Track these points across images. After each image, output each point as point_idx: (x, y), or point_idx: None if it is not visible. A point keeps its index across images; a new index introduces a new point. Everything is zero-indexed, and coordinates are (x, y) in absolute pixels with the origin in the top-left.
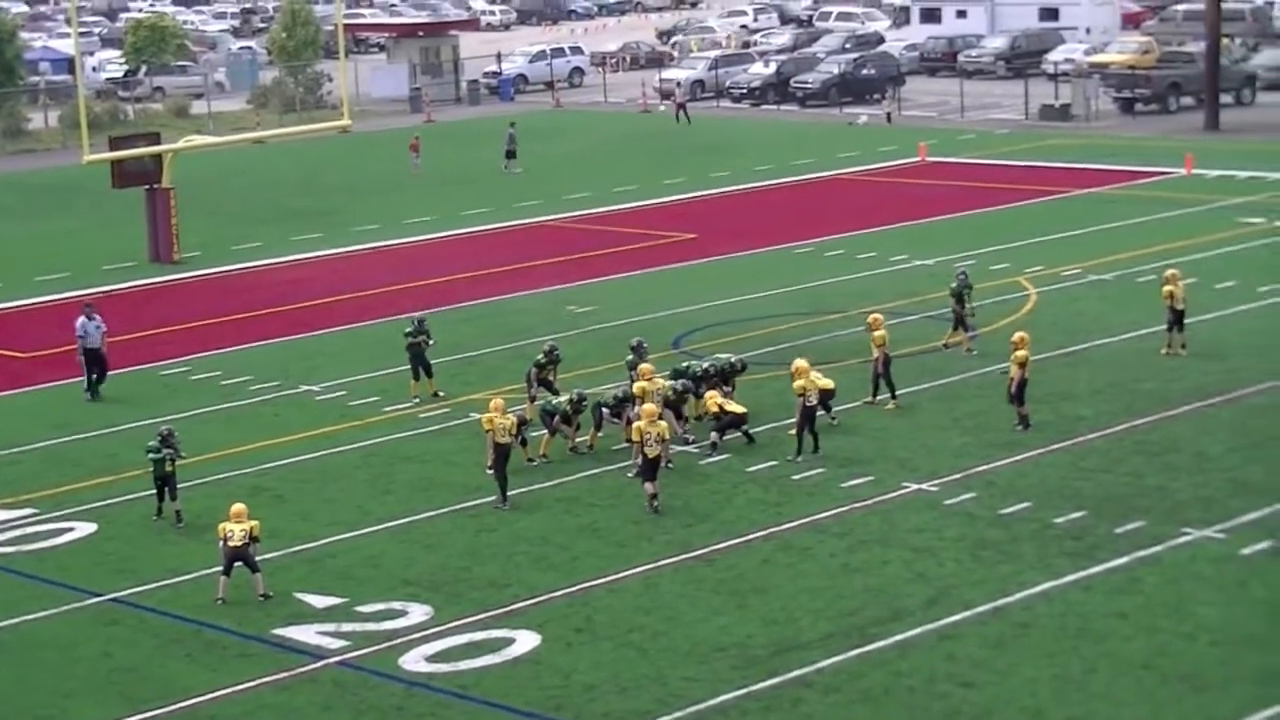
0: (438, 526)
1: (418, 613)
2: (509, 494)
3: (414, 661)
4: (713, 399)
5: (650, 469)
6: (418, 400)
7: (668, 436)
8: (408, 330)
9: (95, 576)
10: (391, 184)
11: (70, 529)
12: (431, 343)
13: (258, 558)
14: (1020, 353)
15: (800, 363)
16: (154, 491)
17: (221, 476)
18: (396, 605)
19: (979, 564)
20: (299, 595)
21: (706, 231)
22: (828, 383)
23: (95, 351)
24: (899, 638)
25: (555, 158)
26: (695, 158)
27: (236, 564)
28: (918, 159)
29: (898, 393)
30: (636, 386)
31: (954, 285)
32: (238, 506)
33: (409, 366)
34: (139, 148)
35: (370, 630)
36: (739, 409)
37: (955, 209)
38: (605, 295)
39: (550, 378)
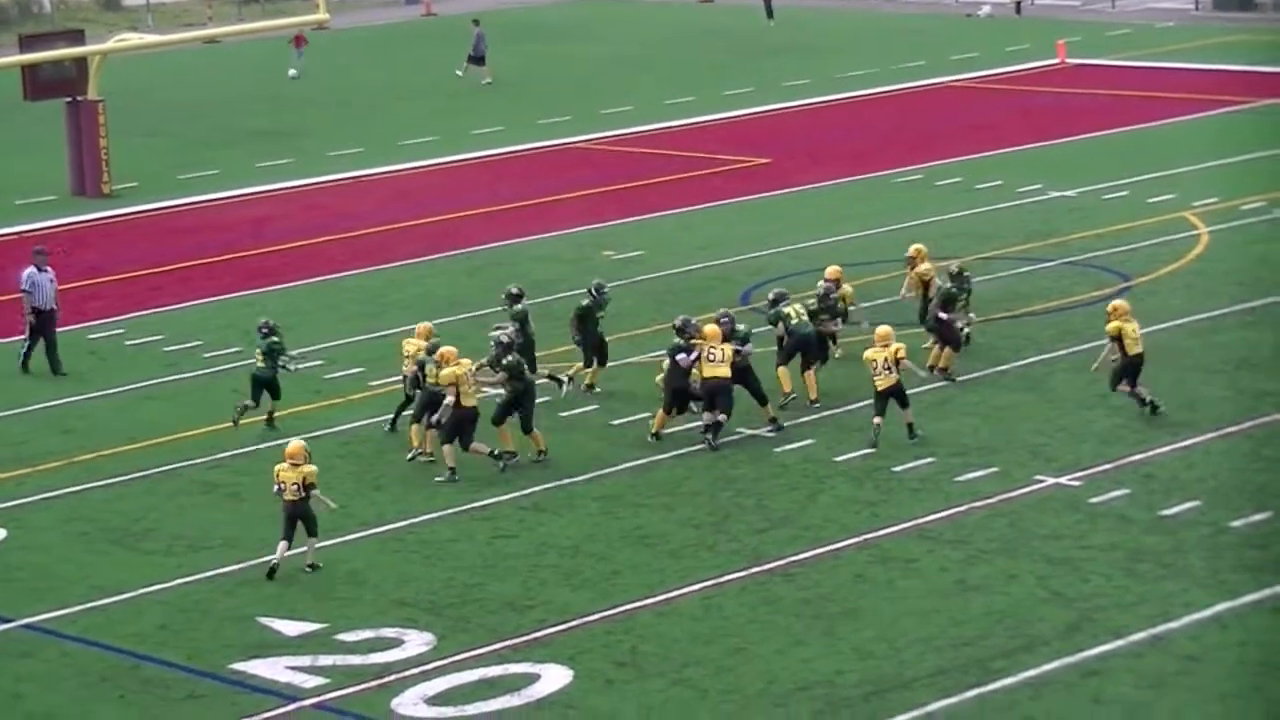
0: (440, 532)
1: (415, 642)
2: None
3: (410, 704)
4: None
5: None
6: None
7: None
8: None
9: (3, 597)
10: (381, 96)
11: None
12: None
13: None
14: (1113, 324)
15: (883, 329)
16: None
17: (164, 469)
18: (388, 632)
19: (1133, 580)
20: (264, 620)
21: (783, 155)
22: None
23: (48, 312)
24: (1030, 674)
25: (589, 61)
26: (769, 61)
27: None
28: (1055, 61)
29: (1019, 363)
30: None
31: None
32: (295, 444)
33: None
34: (57, 49)
35: (355, 664)
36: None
37: (1103, 125)
38: (653, 237)
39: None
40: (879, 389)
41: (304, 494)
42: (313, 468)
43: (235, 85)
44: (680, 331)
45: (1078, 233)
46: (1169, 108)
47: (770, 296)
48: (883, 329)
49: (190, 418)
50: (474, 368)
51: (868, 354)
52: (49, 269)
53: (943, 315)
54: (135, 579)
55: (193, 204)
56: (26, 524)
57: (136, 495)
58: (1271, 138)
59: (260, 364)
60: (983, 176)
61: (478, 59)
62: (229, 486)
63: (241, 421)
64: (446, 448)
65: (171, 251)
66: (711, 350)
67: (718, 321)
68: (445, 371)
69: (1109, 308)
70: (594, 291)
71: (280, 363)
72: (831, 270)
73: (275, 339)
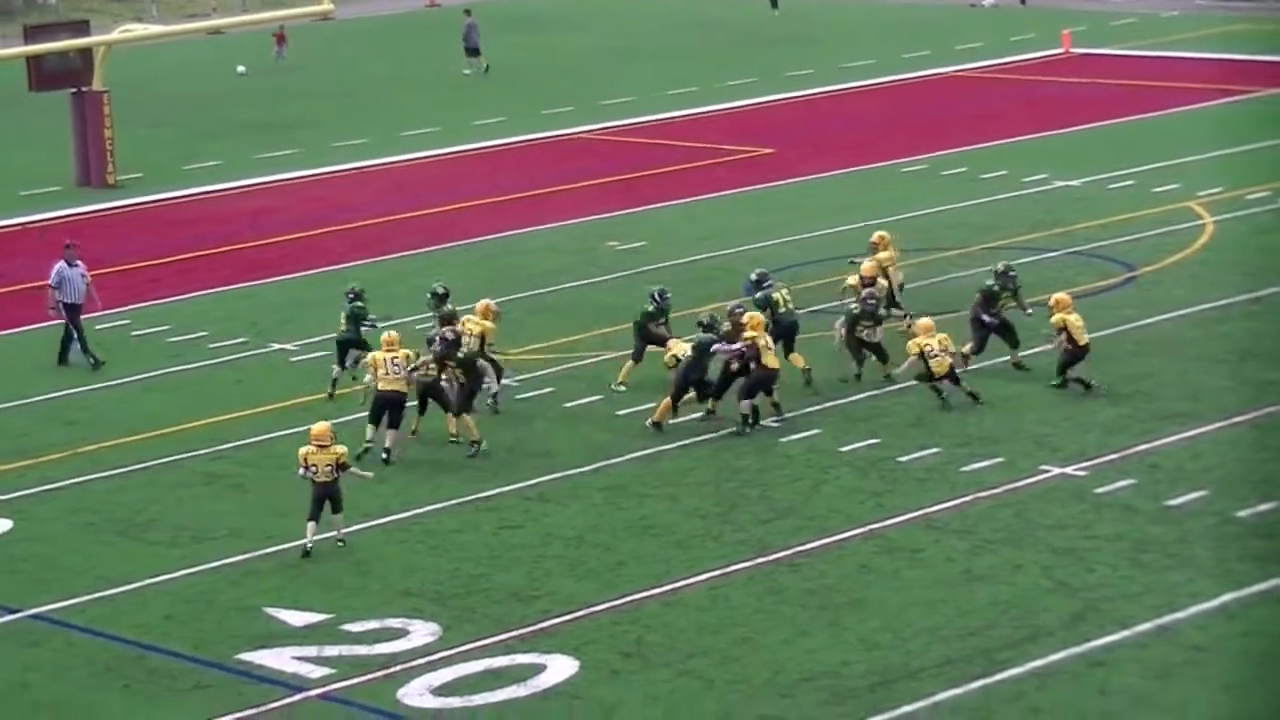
0: (445, 523)
1: (421, 632)
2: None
3: (416, 694)
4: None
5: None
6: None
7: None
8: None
9: (9, 587)
10: (386, 87)
11: None
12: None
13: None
14: (1058, 316)
15: (925, 320)
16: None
17: (168, 460)
18: (394, 623)
19: (1139, 570)
20: (270, 611)
21: (786, 146)
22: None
23: (76, 306)
24: (1036, 664)
25: (590, 51)
26: (772, 51)
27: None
28: (1060, 50)
29: (1024, 353)
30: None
31: None
32: (320, 426)
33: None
34: (62, 40)
35: (360, 655)
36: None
37: (1108, 115)
38: (656, 228)
39: (664, 333)
40: (936, 373)
41: (336, 474)
42: (343, 448)
43: (240, 77)
44: (709, 328)
45: (1082, 222)
46: (1174, 97)
47: (753, 277)
48: (925, 320)
49: (193, 409)
50: (418, 361)
51: (918, 340)
52: (79, 263)
53: (985, 318)
54: (140, 570)
55: (197, 194)
56: (31, 515)
57: (140, 486)
58: (1276, 127)
59: (343, 328)
60: (987, 166)
61: (472, 50)
62: (232, 477)
63: (337, 392)
64: (390, 432)
65: (174, 243)
66: (769, 340)
67: (730, 315)
68: (369, 356)
69: (1051, 301)
70: (657, 297)
71: (366, 323)
72: (868, 266)
73: (360, 304)
